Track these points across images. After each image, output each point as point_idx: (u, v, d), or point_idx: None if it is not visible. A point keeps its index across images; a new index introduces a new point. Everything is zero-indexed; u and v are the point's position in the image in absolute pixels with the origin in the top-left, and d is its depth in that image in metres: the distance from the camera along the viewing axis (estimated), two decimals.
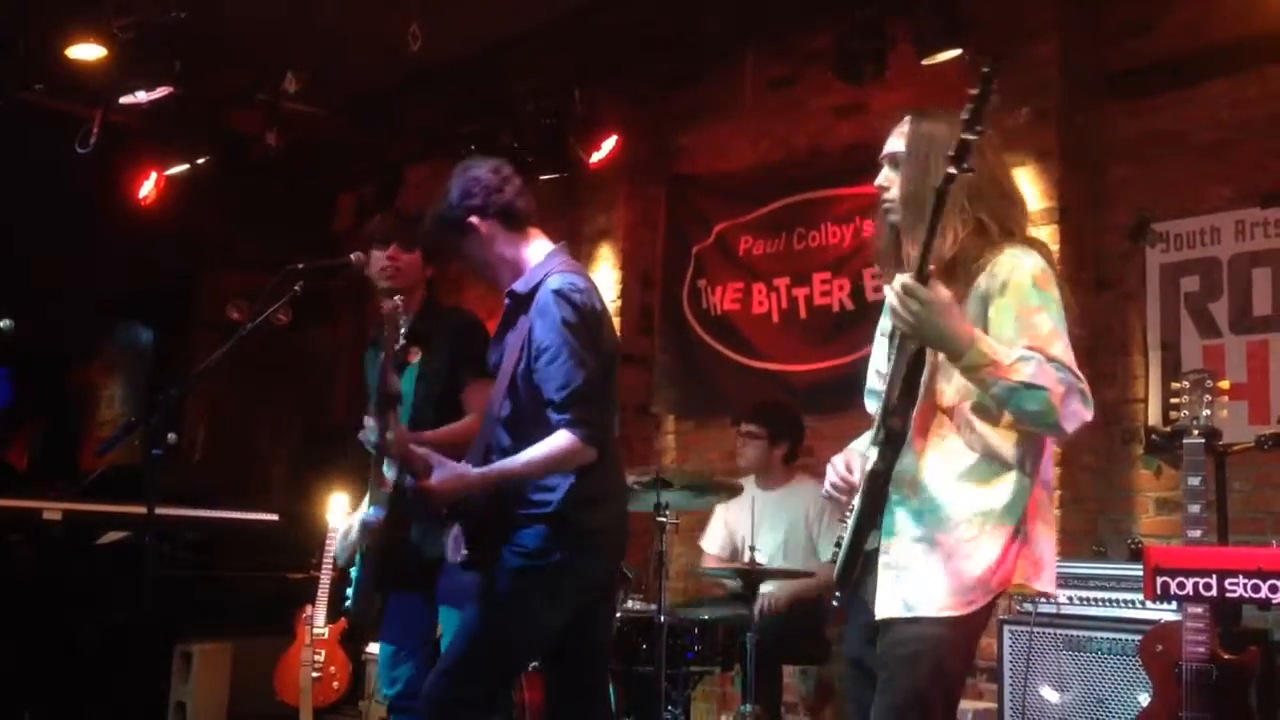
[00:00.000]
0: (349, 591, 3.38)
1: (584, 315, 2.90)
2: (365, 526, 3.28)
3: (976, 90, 2.17)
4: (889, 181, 2.51)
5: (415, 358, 3.51)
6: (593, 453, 2.85)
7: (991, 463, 2.37)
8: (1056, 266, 2.45)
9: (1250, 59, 4.57)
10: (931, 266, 2.23)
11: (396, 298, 3.18)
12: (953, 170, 2.17)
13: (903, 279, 2.24)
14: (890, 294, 2.29)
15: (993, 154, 2.44)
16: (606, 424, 2.95)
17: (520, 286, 3.02)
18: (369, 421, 3.12)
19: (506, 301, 3.08)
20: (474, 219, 3.02)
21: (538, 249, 3.08)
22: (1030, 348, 2.30)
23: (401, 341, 3.41)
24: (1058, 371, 2.28)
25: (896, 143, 2.51)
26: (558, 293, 2.90)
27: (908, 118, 2.53)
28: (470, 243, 3.05)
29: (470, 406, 3.49)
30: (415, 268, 3.66)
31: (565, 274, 2.97)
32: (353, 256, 3.52)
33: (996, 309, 2.36)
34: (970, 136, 2.15)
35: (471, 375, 3.46)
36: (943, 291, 2.24)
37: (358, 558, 3.37)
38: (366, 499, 3.32)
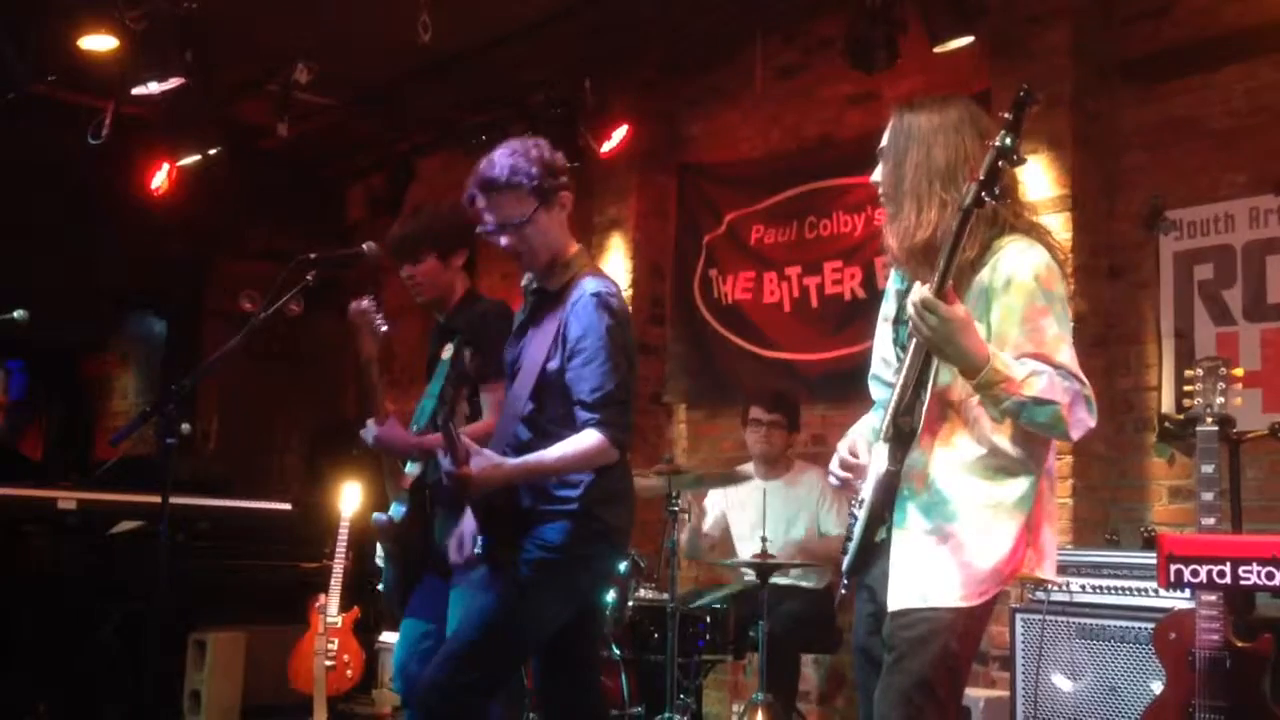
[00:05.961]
0: (381, 586, 3.41)
1: (620, 322, 2.97)
2: (379, 528, 3.29)
3: (1011, 115, 2.19)
4: (880, 175, 2.54)
5: (446, 353, 3.46)
6: (616, 454, 2.92)
7: (999, 456, 2.38)
8: (1061, 255, 2.44)
9: (1266, 45, 4.54)
10: (950, 284, 2.24)
11: (365, 301, 3.31)
12: (985, 197, 2.19)
13: (921, 293, 2.24)
14: (909, 300, 2.29)
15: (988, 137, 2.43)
16: (630, 428, 3.01)
17: (551, 285, 3.05)
18: (370, 423, 3.19)
19: (531, 298, 3.10)
20: (566, 194, 3.06)
21: (570, 244, 3.11)
22: (1036, 354, 2.31)
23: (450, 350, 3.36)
24: (1064, 381, 2.30)
25: (885, 137, 2.54)
26: (597, 296, 2.95)
27: (895, 111, 2.54)
28: (548, 215, 3.01)
29: (488, 409, 3.40)
30: (434, 273, 3.61)
31: (600, 279, 3.03)
32: (365, 246, 3.51)
33: (1001, 308, 2.36)
34: (1005, 165, 2.18)
35: (491, 376, 3.30)
36: (959, 309, 2.25)
37: (385, 561, 3.40)
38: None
